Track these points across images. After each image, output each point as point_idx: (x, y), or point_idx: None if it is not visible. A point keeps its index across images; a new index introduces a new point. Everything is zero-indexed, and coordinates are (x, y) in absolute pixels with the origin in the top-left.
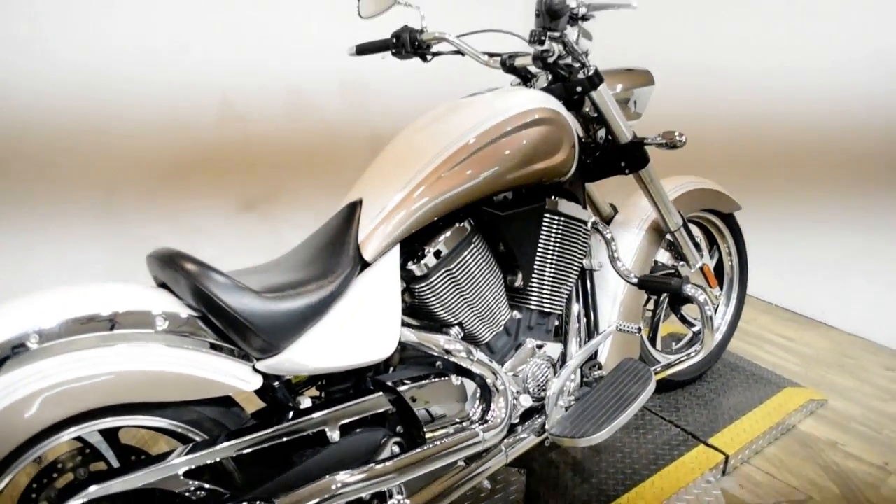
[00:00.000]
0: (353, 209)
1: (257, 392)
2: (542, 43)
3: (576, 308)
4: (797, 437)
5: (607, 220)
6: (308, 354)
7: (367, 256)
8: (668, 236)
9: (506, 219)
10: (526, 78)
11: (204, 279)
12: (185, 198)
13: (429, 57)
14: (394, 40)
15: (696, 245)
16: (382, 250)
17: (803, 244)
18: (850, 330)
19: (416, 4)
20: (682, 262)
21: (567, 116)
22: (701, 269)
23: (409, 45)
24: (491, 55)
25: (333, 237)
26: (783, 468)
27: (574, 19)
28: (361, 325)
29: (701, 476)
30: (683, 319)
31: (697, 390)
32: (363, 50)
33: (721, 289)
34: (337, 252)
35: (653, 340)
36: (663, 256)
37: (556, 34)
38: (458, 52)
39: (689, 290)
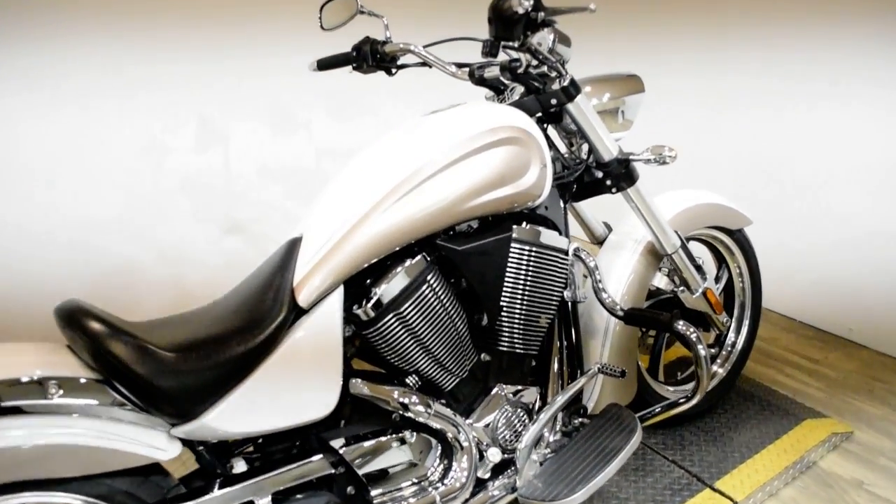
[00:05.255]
0: (293, 247)
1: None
2: (494, 55)
3: (557, 346)
4: (818, 475)
5: (600, 241)
6: (231, 419)
7: (303, 302)
8: (666, 259)
9: (464, 254)
10: (500, 90)
11: (104, 339)
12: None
13: (393, 70)
14: (354, 53)
15: (698, 268)
16: (320, 295)
17: (824, 252)
18: (882, 349)
19: (379, 13)
20: (682, 288)
21: (536, 134)
22: (704, 293)
23: (370, 57)
24: (460, 66)
25: (267, 281)
26: None
27: (534, 25)
28: (295, 383)
29: None
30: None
31: (706, 424)
32: (325, 65)
33: (731, 315)
34: (268, 298)
35: (654, 370)
36: (662, 281)
37: (514, 44)
38: (425, 64)
39: (680, 327)
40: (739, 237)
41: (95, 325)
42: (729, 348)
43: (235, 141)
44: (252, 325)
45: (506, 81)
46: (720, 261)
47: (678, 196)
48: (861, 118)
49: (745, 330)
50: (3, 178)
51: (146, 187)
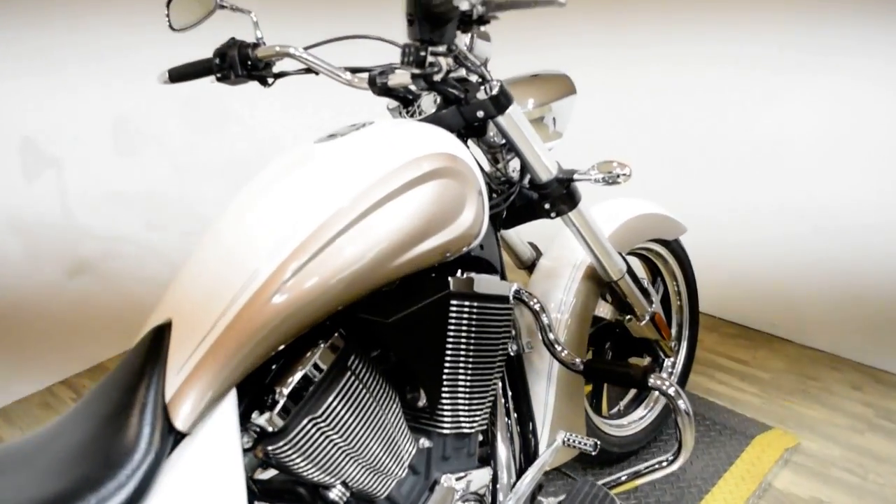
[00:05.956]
0: (159, 342)
1: None
2: (421, 64)
3: (502, 410)
4: (776, 498)
5: (528, 266)
6: None
7: (181, 425)
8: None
9: (395, 326)
10: (407, 100)
11: None
12: None
13: (270, 80)
14: (217, 61)
15: (644, 291)
16: (204, 411)
17: (742, 246)
18: (807, 342)
19: (245, 8)
20: (628, 316)
21: (468, 159)
22: (652, 318)
23: (238, 65)
24: (355, 71)
25: (126, 398)
26: None
27: (467, 24)
28: None
29: None
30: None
31: (654, 457)
32: (179, 76)
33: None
34: (131, 425)
35: (597, 404)
36: (603, 309)
37: (441, 49)
38: (311, 71)
39: (656, 383)
40: (675, 247)
41: None
42: (669, 369)
43: (70, 164)
44: (111, 470)
45: (416, 91)
46: (654, 274)
47: (611, 208)
48: (785, 107)
49: (684, 350)
50: None
51: None
